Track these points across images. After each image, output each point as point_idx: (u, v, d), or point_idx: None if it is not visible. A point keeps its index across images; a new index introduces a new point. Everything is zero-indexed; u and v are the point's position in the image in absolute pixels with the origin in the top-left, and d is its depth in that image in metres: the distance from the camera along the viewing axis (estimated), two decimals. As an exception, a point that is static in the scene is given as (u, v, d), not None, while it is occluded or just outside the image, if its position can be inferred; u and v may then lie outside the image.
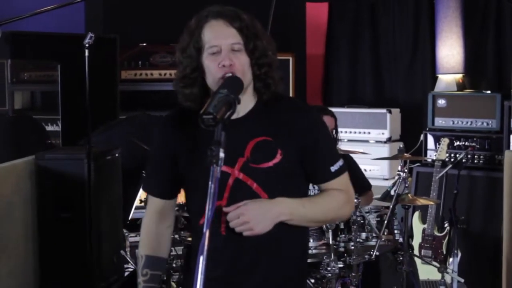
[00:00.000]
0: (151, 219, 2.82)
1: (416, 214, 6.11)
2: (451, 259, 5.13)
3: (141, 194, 5.90)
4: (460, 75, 6.97)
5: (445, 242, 5.88)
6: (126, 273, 5.43)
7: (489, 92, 6.51)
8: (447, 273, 4.72)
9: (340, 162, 2.69)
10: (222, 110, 2.25)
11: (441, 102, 6.56)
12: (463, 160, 6.06)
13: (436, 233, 5.94)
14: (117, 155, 5.14)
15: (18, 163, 4.68)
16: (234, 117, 2.56)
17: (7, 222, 4.43)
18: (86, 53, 4.43)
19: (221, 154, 2.17)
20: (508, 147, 5.92)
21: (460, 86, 6.95)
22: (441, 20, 6.94)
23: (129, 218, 5.81)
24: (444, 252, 5.87)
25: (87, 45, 4.41)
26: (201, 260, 2.08)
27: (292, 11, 7.57)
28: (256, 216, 2.49)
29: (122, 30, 6.57)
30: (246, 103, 2.62)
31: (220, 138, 2.19)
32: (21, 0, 6.26)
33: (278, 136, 2.59)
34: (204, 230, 2.11)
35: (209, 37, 2.56)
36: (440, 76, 7.05)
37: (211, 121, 2.23)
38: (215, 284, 2.64)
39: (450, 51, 6.90)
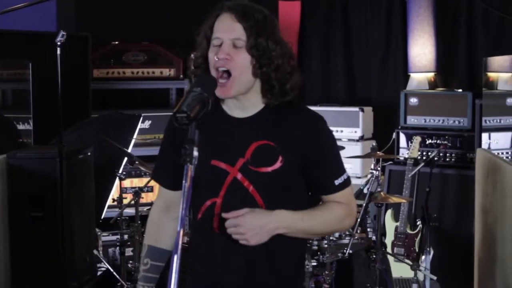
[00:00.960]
0: (157, 209, 2.85)
1: (389, 212, 6.14)
2: (423, 257, 5.15)
3: (114, 193, 5.89)
4: (432, 74, 7.01)
5: (417, 240, 5.91)
6: (99, 273, 5.42)
7: (460, 90, 6.55)
8: (420, 270, 4.74)
9: (345, 176, 2.66)
10: (196, 109, 2.23)
11: (413, 100, 6.60)
12: (435, 158, 6.09)
13: (409, 231, 5.97)
14: (89, 153, 5.10)
15: (-11, 162, 4.64)
16: (240, 115, 2.61)
17: (-22, 222, 4.40)
18: (58, 51, 4.40)
19: (195, 153, 2.16)
20: (480, 145, 5.96)
21: (432, 84, 7.00)
22: (413, 19, 6.98)
23: (102, 217, 5.79)
24: (417, 250, 5.90)
25: (59, 43, 4.38)
26: (175, 259, 2.06)
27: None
28: (253, 229, 2.48)
29: (94, 28, 6.51)
30: (253, 103, 2.62)
31: (194, 137, 2.18)
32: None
33: (282, 142, 2.57)
34: (178, 228, 2.09)
35: (215, 29, 2.57)
36: (412, 74, 7.09)
37: (184, 119, 2.20)
38: (206, 281, 2.66)
39: (422, 50, 6.94)
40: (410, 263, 4.91)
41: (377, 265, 4.71)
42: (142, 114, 6.15)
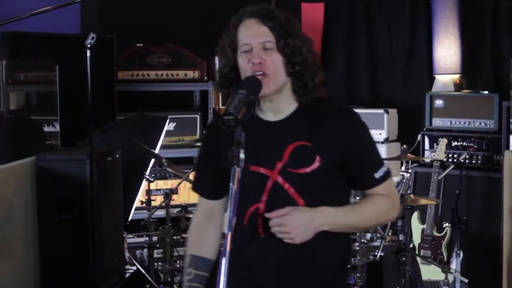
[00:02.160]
0: (198, 219, 2.85)
1: (415, 214, 6.10)
2: (452, 259, 5.13)
3: (140, 195, 5.88)
4: (457, 76, 6.96)
5: (444, 242, 5.88)
6: (127, 275, 5.42)
7: (486, 92, 6.50)
8: (451, 273, 4.71)
9: (384, 168, 2.67)
10: (242, 111, 2.24)
11: (439, 102, 6.56)
12: (462, 160, 6.06)
13: (435, 234, 5.94)
14: (117, 156, 5.10)
15: (18, 165, 4.64)
16: (274, 119, 2.61)
17: (7, 224, 4.41)
18: (88, 54, 4.39)
19: (241, 155, 2.16)
20: (508, 147, 5.91)
21: (457, 86, 6.95)
22: (438, 20, 6.93)
23: (129, 219, 5.78)
24: (444, 253, 5.88)
25: (89, 45, 4.37)
26: (224, 262, 2.06)
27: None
28: (298, 227, 2.48)
29: (118, 31, 6.51)
30: (286, 105, 2.62)
31: (240, 139, 2.17)
32: (18, 0, 6.23)
33: (318, 142, 2.57)
34: (226, 232, 2.10)
35: (242, 36, 2.57)
36: (437, 76, 7.04)
37: (231, 121, 2.21)
38: (249, 286, 2.65)
39: (447, 52, 6.89)
40: (440, 266, 4.89)
41: (407, 267, 4.68)
42: (169, 116, 6.12)
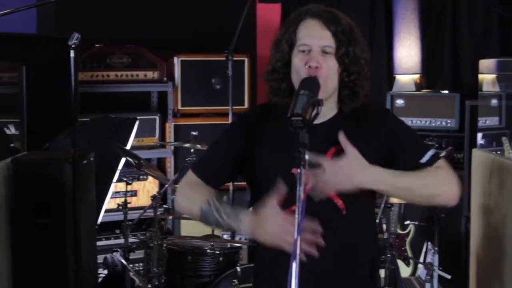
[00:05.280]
0: (188, 184, 2.75)
1: (378, 212, 6.18)
2: (429, 256, 5.21)
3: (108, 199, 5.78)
4: (418, 76, 7.07)
5: (408, 240, 5.97)
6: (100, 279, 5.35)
7: (447, 92, 6.63)
8: (434, 270, 4.78)
9: (430, 152, 2.62)
10: (309, 111, 2.23)
11: (400, 102, 6.65)
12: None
13: (399, 231, 6.02)
14: (91, 159, 4.99)
15: (-5, 168, 4.50)
16: (315, 122, 2.55)
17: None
18: (72, 54, 4.29)
19: (307, 157, 2.14)
20: (474, 146, 6.01)
21: (418, 86, 7.05)
22: (399, 21, 7.02)
23: (98, 222, 5.66)
24: (408, 250, 5.96)
25: (73, 45, 4.27)
26: (294, 265, 2.04)
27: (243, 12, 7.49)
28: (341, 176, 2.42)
29: (76, 31, 6.37)
30: (328, 109, 2.60)
31: (305, 140, 2.16)
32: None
33: (358, 145, 2.53)
34: (296, 236, 2.08)
35: (302, 35, 2.55)
36: (397, 76, 7.13)
37: (299, 123, 2.18)
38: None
39: (408, 52, 6.99)
40: (423, 263, 4.95)
41: (387, 265, 4.73)
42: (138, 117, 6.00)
